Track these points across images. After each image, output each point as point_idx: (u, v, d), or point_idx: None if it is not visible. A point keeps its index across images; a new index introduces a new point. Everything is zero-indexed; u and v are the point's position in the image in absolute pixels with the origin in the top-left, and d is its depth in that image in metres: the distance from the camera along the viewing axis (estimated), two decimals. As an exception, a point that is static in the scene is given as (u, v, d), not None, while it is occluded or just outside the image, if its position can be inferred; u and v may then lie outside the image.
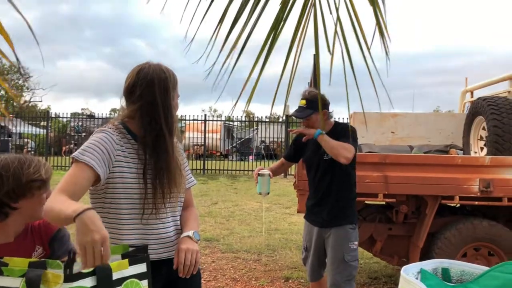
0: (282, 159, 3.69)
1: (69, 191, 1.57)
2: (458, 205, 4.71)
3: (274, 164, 3.68)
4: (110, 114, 25.46)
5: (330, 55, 1.51)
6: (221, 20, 1.44)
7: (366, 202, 4.69)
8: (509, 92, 4.63)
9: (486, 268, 1.40)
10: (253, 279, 5.02)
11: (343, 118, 15.42)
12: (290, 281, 4.95)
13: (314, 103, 3.19)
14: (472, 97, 5.68)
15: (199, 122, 18.76)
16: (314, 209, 3.41)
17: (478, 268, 1.42)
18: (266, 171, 3.25)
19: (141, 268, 1.49)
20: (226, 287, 4.77)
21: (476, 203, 4.28)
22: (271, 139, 21.84)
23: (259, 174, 3.23)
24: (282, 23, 1.55)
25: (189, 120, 18.60)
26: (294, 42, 1.55)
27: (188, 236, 1.81)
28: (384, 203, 4.75)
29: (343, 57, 1.49)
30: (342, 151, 3.02)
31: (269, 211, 9.51)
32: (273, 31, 1.55)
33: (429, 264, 1.44)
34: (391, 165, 4.31)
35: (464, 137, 5.12)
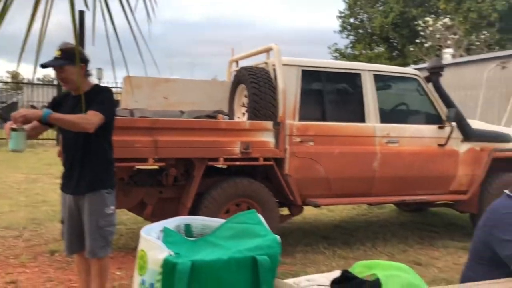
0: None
1: None
2: (226, 166, 5.10)
3: (28, 125, 3.01)
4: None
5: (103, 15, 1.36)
6: None
7: (137, 167, 4.67)
8: (266, 63, 5.13)
9: (223, 221, 1.52)
10: (11, 257, 4.52)
11: (116, 82, 14.88)
12: (57, 254, 4.62)
13: (70, 55, 2.93)
14: (237, 66, 6.11)
15: None
16: (67, 175, 3.15)
17: (217, 222, 1.54)
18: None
19: None
20: (-23, 270, 4.18)
21: (238, 163, 4.70)
22: (43, 104, 19.82)
23: (12, 129, 2.77)
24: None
25: None
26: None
27: None
28: (157, 168, 4.80)
29: (104, 17, 1.36)
30: (83, 123, 2.84)
31: (36, 183, 8.66)
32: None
33: (172, 222, 1.49)
34: (161, 130, 4.36)
35: (229, 104, 5.52)
